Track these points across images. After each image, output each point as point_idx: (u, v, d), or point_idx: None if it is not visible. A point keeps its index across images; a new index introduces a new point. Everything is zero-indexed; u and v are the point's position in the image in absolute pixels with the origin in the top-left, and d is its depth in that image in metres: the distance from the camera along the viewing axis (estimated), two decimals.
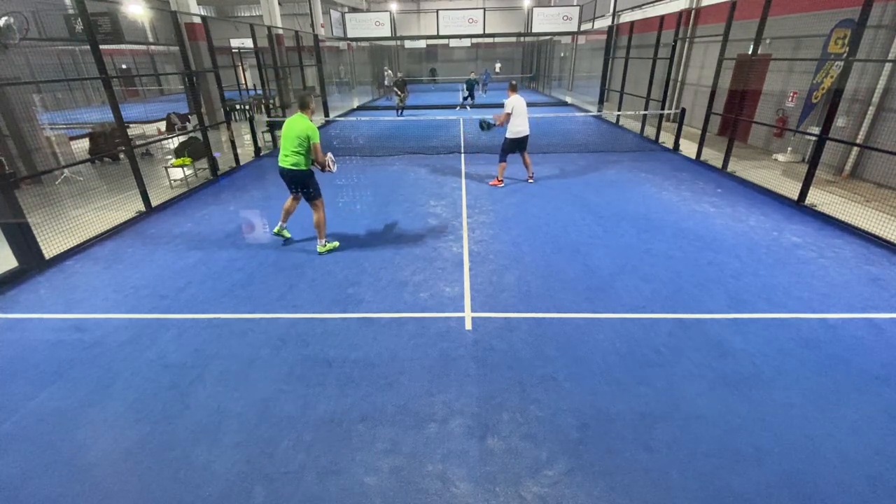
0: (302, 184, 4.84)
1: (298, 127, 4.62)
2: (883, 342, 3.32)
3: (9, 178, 4.66)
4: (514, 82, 7.29)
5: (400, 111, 16.29)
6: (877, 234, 5.04)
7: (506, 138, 7.08)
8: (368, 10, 27.41)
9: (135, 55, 28.38)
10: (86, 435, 2.66)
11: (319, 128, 14.10)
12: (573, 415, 2.72)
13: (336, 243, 5.15)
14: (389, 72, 23.46)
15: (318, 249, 5.00)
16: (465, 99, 18.64)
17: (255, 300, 4.09)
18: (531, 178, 7.56)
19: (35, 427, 2.72)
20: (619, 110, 13.24)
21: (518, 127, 6.97)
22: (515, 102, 6.87)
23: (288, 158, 4.71)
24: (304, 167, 4.74)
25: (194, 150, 8.13)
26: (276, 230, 5.25)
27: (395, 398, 2.89)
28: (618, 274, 4.41)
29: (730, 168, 7.88)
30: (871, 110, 7.04)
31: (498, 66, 35.90)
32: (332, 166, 4.98)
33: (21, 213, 4.60)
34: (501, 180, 7.36)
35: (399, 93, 16.05)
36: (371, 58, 28.54)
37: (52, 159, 7.82)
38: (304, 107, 4.70)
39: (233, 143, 9.19)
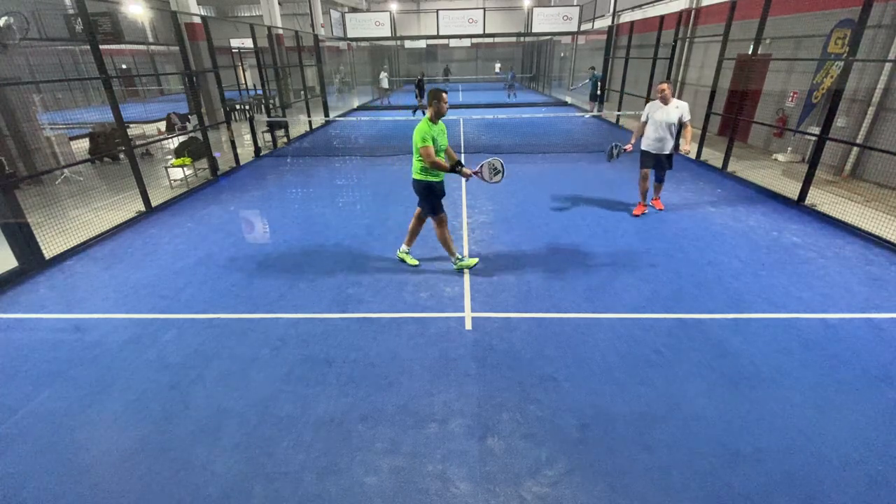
0: (418, 194, 4.32)
1: (416, 130, 4.07)
2: (883, 342, 3.32)
3: (9, 178, 4.66)
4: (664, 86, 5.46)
5: (416, 111, 15.82)
6: (877, 234, 5.04)
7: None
8: (368, 10, 27.42)
9: (135, 55, 28.37)
10: (86, 435, 2.66)
11: (318, 128, 14.23)
12: (573, 415, 2.72)
13: (474, 261, 4.57)
14: (386, 73, 22.89)
15: (455, 265, 4.55)
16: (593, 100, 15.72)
17: (255, 300, 4.08)
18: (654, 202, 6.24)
19: (35, 427, 2.72)
20: (619, 110, 13.24)
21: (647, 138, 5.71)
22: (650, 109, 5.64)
23: (413, 166, 4.28)
24: (417, 175, 4.22)
25: (194, 150, 8.13)
26: (400, 254, 4.79)
27: (395, 398, 2.89)
28: (618, 274, 4.41)
29: (730, 168, 7.88)
30: (871, 110, 7.04)
31: (497, 66, 35.86)
32: (486, 174, 4.31)
33: (21, 213, 4.61)
34: (645, 205, 6.07)
35: (419, 98, 15.54)
36: (371, 58, 28.54)
37: (52, 159, 7.82)
38: (429, 106, 4.07)
39: (233, 143, 9.19)
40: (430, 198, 4.28)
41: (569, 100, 20.22)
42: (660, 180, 6.02)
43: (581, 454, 2.46)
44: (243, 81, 17.41)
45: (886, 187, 6.70)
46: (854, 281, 4.19)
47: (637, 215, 5.95)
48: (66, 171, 8.19)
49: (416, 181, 4.26)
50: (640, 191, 6.00)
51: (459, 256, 4.53)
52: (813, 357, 3.18)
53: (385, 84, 21.27)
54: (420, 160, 4.10)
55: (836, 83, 5.82)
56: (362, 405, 2.84)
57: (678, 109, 5.40)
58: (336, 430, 2.65)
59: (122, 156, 9.53)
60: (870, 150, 6.76)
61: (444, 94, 4.05)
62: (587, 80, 15.37)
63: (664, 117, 5.44)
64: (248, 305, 4.00)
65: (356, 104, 20.02)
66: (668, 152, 5.64)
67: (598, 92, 14.98)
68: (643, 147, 5.76)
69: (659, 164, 5.76)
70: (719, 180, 7.55)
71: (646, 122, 5.64)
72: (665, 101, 5.42)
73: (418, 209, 4.50)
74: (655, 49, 11.31)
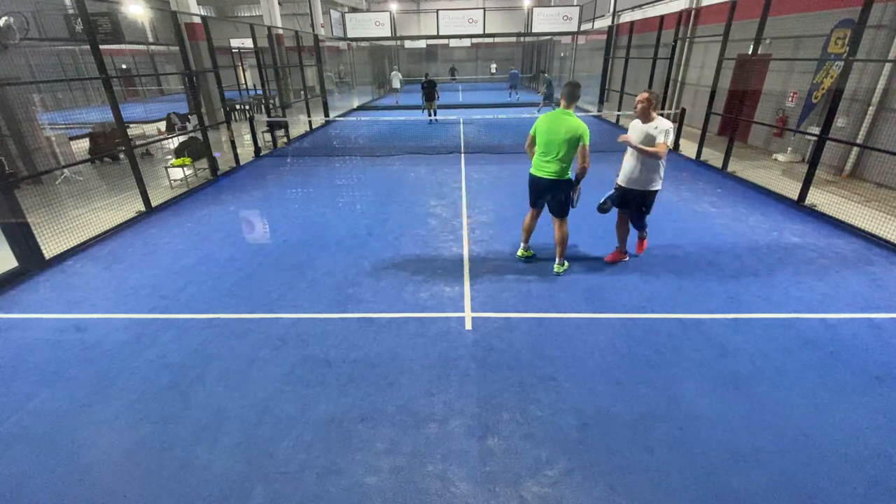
0: (565, 196, 4.06)
1: (568, 126, 3.76)
2: (883, 342, 3.32)
3: (9, 178, 4.66)
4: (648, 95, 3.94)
5: (432, 115, 14.39)
6: (877, 234, 5.04)
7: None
8: (368, 10, 27.41)
9: (135, 55, 28.37)
10: (86, 435, 2.66)
11: (318, 128, 14.21)
12: (573, 415, 2.72)
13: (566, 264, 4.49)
14: (398, 73, 22.50)
15: (557, 270, 4.38)
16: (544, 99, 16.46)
17: (255, 300, 4.08)
18: (638, 249, 4.74)
19: (35, 427, 2.72)
20: (619, 110, 13.24)
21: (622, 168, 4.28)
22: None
23: (550, 166, 3.93)
24: (568, 176, 4.01)
25: (194, 150, 8.13)
26: (520, 253, 4.62)
27: (395, 398, 2.89)
28: (618, 274, 4.41)
29: (730, 168, 7.88)
30: (871, 110, 7.04)
31: (493, 66, 35.76)
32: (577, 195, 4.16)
33: (21, 213, 4.60)
34: (623, 252, 4.62)
35: (427, 101, 14.13)
36: (371, 58, 28.55)
37: (52, 159, 7.82)
38: (573, 100, 3.86)
39: (233, 143, 9.19)
40: (569, 197, 4.11)
41: None
42: (638, 226, 4.47)
43: (581, 454, 2.46)
44: (243, 81, 17.41)
45: (886, 187, 6.70)
46: (854, 281, 4.19)
47: (609, 262, 4.59)
48: (66, 171, 8.19)
49: (567, 182, 4.01)
50: (618, 235, 4.56)
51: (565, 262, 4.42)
52: (813, 357, 3.18)
53: (396, 84, 21.20)
54: (567, 161, 3.91)
55: (836, 83, 5.82)
56: (362, 405, 2.84)
57: (656, 131, 3.89)
58: (336, 430, 2.65)
59: (122, 156, 9.53)
60: (870, 150, 6.76)
61: (580, 91, 3.90)
62: (544, 87, 15.69)
63: (638, 139, 4.00)
64: (248, 305, 4.00)
65: (356, 104, 20.03)
66: (644, 188, 4.12)
67: (550, 92, 15.56)
68: (617, 179, 4.36)
69: (632, 203, 4.25)
70: (719, 180, 7.55)
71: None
72: (644, 118, 3.97)
73: (535, 211, 4.34)
74: (655, 49, 11.31)
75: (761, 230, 5.40)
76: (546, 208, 4.33)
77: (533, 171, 4.15)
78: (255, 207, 6.71)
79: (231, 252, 5.10)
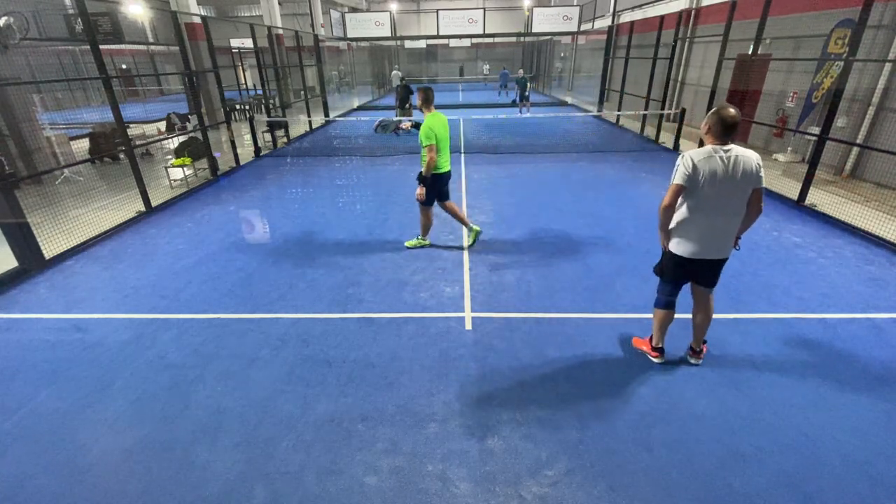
0: None
1: (445, 124, 4.65)
2: (883, 342, 3.32)
3: (9, 178, 4.66)
4: (727, 115, 2.45)
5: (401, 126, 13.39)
6: (877, 234, 5.04)
7: (669, 252, 2.88)
8: (368, 10, 27.41)
9: (135, 55, 28.37)
10: (86, 435, 2.66)
11: (318, 128, 14.21)
12: (573, 415, 2.72)
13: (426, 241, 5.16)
14: (398, 72, 22.31)
15: (476, 234, 5.16)
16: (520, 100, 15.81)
17: (255, 300, 4.08)
18: (697, 353, 3.15)
19: (35, 427, 2.72)
20: (619, 110, 13.25)
21: (695, 230, 2.69)
22: (702, 164, 2.51)
23: (449, 158, 4.78)
24: None
25: (194, 150, 8.13)
26: (473, 238, 5.15)
27: (395, 398, 2.89)
28: (618, 274, 4.41)
29: None
30: (871, 110, 7.04)
31: (486, 67, 35.63)
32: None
33: (21, 213, 4.60)
34: (657, 349, 3.18)
35: (400, 108, 12.06)
36: (371, 58, 28.55)
37: (52, 159, 7.82)
38: (430, 102, 4.56)
39: (233, 143, 9.19)
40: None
41: (569, 100, 20.23)
42: (703, 314, 3.00)
43: (581, 454, 2.46)
44: (243, 81, 17.41)
45: (886, 187, 6.70)
46: (854, 281, 4.19)
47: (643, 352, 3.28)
48: (66, 171, 8.20)
49: None
50: (658, 330, 3.17)
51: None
52: (813, 357, 3.18)
53: (398, 82, 21.19)
54: None
55: (836, 83, 5.82)
56: (362, 405, 2.84)
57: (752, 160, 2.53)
58: (336, 430, 2.65)
59: (122, 156, 9.53)
60: (870, 150, 6.76)
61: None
62: (515, 85, 15.41)
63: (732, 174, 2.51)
64: (248, 305, 4.00)
65: (356, 104, 20.02)
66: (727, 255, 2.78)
67: (526, 93, 15.38)
68: (678, 250, 2.78)
69: (707, 276, 2.88)
70: None
71: (686, 188, 2.58)
72: (725, 138, 2.52)
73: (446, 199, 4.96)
74: (655, 49, 11.30)
75: (761, 230, 5.40)
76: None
77: (444, 169, 4.72)
78: (255, 207, 6.71)
79: (231, 252, 5.10)
